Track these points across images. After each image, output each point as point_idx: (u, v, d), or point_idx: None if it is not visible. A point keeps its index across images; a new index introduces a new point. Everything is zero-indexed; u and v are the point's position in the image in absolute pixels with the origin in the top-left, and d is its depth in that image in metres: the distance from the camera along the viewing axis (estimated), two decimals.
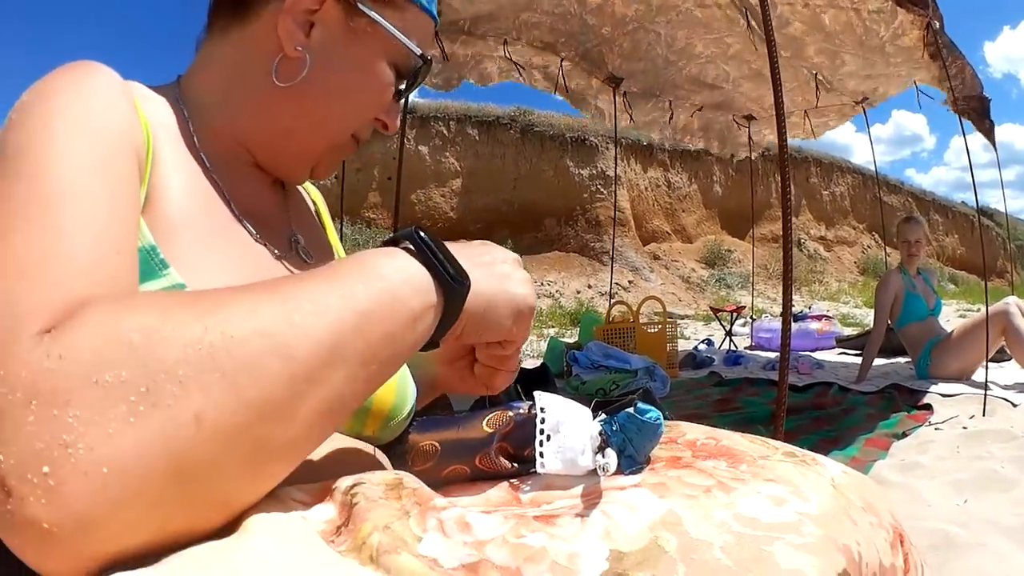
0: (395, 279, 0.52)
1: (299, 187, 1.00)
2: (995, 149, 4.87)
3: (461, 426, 0.59)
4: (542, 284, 14.95)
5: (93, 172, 0.54)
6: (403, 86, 0.80)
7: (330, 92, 0.75)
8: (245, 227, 0.75)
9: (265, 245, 0.77)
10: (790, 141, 2.76)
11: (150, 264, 0.60)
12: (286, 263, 0.79)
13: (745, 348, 7.11)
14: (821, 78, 5.49)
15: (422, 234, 0.56)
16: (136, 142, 0.62)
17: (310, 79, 0.74)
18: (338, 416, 0.48)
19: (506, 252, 0.65)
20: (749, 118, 6.89)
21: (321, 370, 0.45)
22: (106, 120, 0.59)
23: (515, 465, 0.54)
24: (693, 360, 6.11)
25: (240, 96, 0.77)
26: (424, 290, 0.54)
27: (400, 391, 0.81)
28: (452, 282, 0.55)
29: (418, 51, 0.78)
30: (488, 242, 0.66)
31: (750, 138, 7.05)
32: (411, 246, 0.56)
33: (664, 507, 0.47)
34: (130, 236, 0.55)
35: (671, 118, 6.53)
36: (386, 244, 0.57)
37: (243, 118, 0.77)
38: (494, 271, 0.62)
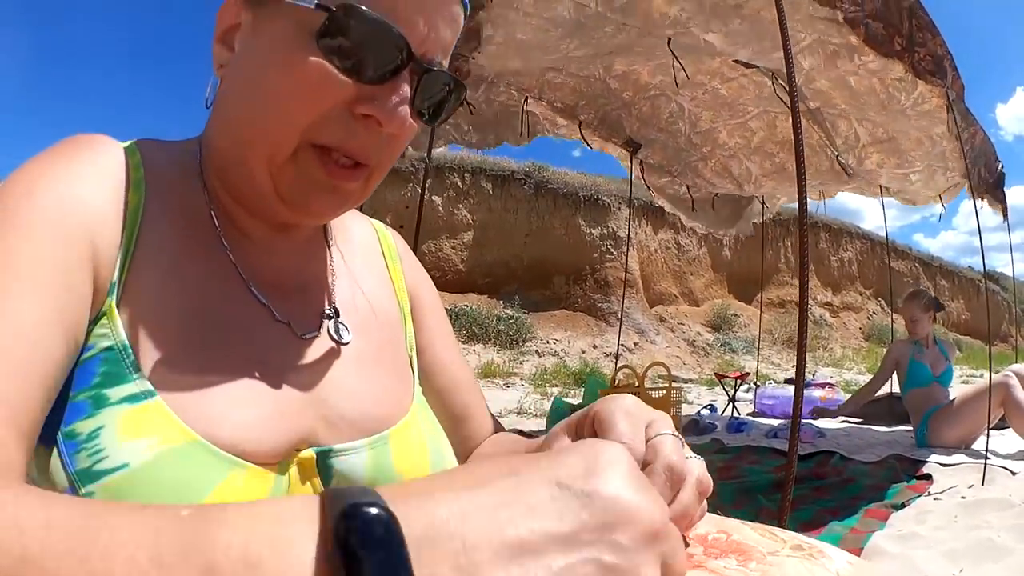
0: None
1: (370, 239, 0.91)
2: (1005, 218, 4.99)
3: None
4: (548, 342, 14.94)
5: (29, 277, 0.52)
6: (352, 60, 0.59)
7: (242, 91, 0.64)
8: (263, 303, 0.68)
9: (288, 324, 0.69)
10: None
11: (121, 366, 0.56)
12: (308, 346, 0.70)
13: (748, 414, 7.12)
14: (844, 157, 5.53)
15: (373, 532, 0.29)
16: (101, 232, 0.59)
17: (225, 88, 0.66)
18: None
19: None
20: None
21: None
22: (69, 216, 0.57)
23: None
24: (696, 426, 6.11)
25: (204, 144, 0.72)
26: None
27: (435, 469, 0.73)
28: None
29: (317, 1, 0.58)
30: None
31: (763, 204, 7.21)
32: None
33: None
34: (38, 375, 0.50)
35: (691, 204, 6.67)
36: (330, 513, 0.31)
37: (208, 165, 0.71)
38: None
